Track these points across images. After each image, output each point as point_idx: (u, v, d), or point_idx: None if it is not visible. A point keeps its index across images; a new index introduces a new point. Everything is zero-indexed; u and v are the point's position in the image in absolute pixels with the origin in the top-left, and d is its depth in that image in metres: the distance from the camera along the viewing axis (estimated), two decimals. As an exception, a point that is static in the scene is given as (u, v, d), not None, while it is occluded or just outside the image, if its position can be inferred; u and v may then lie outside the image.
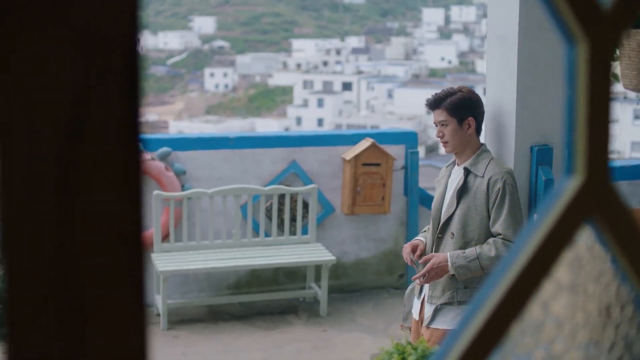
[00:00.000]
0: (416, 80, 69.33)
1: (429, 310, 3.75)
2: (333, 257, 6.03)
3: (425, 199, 6.62)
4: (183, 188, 6.14)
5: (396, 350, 2.11)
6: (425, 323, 3.75)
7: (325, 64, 78.57)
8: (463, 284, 3.68)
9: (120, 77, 0.62)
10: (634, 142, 45.93)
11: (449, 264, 3.61)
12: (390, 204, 6.44)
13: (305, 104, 63.48)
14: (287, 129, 52.05)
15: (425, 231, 3.96)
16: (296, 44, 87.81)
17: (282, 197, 6.27)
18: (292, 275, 6.43)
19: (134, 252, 0.65)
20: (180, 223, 6.08)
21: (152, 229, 5.85)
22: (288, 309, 6.15)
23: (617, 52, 3.11)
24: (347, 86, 66.27)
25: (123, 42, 0.62)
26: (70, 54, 0.60)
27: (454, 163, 3.84)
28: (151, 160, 6.05)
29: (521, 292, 0.91)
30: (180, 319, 5.93)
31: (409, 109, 56.86)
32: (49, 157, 0.60)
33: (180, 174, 6.16)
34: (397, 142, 6.56)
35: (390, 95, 62.75)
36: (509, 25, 3.78)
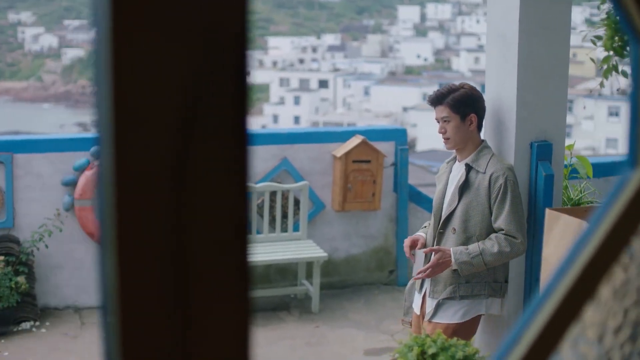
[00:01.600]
0: (392, 77, 69.42)
1: (430, 305, 3.77)
2: (325, 254, 6.06)
3: (415, 196, 6.67)
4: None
5: (415, 343, 2.13)
6: (427, 317, 3.77)
7: (301, 61, 78.44)
8: (465, 279, 3.70)
9: (231, 73, 0.64)
10: (609, 139, 46.30)
11: (452, 259, 3.65)
12: (380, 200, 6.47)
13: (281, 101, 63.32)
14: (264, 127, 51.89)
15: (425, 227, 3.98)
16: (272, 41, 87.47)
17: (273, 194, 6.28)
18: (283, 272, 6.45)
19: (243, 247, 0.66)
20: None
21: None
22: (280, 306, 6.16)
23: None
24: (323, 84, 66.19)
25: (234, 40, 0.63)
26: (183, 52, 0.61)
27: (454, 159, 3.86)
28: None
29: (591, 279, 0.94)
30: (173, 317, 5.92)
31: (386, 106, 56.87)
32: (163, 154, 0.61)
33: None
34: (386, 139, 6.60)
35: (366, 92, 62.77)
36: (509, 22, 3.81)
